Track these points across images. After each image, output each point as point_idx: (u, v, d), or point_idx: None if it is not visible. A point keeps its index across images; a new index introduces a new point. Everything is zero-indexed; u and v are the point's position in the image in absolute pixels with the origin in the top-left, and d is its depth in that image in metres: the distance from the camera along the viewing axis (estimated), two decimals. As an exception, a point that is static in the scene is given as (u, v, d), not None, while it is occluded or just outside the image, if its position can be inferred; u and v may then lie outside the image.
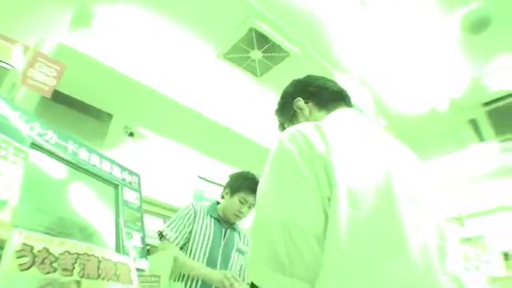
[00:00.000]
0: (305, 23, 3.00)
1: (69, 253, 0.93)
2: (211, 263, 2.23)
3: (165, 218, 4.60)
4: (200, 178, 5.25)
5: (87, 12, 2.75)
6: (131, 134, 4.18)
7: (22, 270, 0.82)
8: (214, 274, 2.06)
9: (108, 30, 3.09)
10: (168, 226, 2.30)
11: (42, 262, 0.86)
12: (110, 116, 3.83)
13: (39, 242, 0.88)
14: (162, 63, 3.42)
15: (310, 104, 1.26)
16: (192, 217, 2.35)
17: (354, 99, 1.33)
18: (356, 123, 1.10)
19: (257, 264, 0.85)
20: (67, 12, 2.69)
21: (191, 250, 2.25)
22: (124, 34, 3.16)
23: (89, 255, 0.97)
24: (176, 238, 2.24)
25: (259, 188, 0.94)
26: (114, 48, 3.17)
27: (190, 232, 2.30)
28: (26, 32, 2.09)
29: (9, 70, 1.45)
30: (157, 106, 3.61)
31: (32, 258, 0.85)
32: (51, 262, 0.88)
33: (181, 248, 2.25)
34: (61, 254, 0.91)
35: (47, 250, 0.89)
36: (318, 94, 1.27)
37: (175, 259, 2.05)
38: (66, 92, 3.46)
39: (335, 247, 0.75)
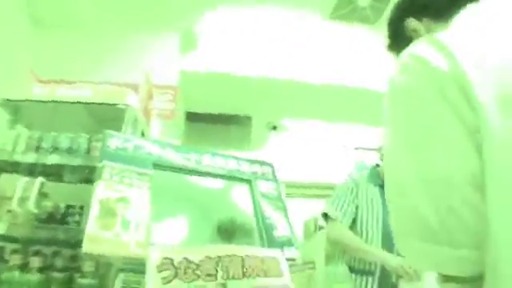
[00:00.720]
0: None
1: (209, 258, 0.94)
2: (388, 239, 1.97)
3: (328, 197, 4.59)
4: (357, 148, 5.05)
5: (192, 35, 2.91)
6: (274, 128, 4.27)
7: (166, 283, 0.84)
8: (390, 260, 1.84)
9: (215, 42, 3.22)
10: (332, 205, 2.13)
11: (185, 272, 0.88)
12: (248, 118, 3.98)
13: (177, 253, 0.91)
14: (277, 49, 3.39)
15: (425, 20, 1.01)
16: (354, 191, 2.14)
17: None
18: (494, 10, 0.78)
19: (403, 237, 0.68)
20: (171, 40, 2.88)
21: (361, 229, 2.05)
22: (230, 38, 3.23)
23: (230, 256, 0.96)
24: (344, 215, 2.06)
25: (384, 147, 0.76)
26: (225, 55, 3.28)
27: (357, 208, 2.10)
28: (133, 68, 2.31)
29: (125, 109, 1.60)
30: (289, 93, 3.60)
31: (174, 270, 0.87)
32: (193, 270, 0.89)
33: (350, 228, 2.07)
34: (201, 261, 0.92)
35: (187, 260, 0.90)
36: (430, 4, 1.01)
37: (345, 241, 1.95)
38: (203, 111, 3.74)
39: (502, 188, 0.54)
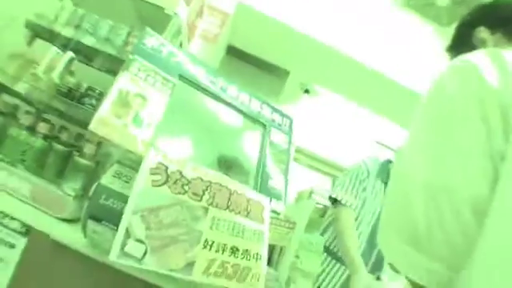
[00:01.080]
0: None
1: (201, 179, 0.96)
2: (372, 242, 2.01)
3: (334, 177, 4.59)
4: (377, 143, 4.98)
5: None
6: (307, 91, 4.21)
7: (154, 186, 0.87)
8: (359, 280, 1.78)
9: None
10: (342, 188, 2.08)
11: (175, 183, 0.91)
12: (286, 72, 3.92)
13: (174, 163, 0.93)
14: (338, 17, 3.26)
15: (498, 35, 0.94)
16: (366, 178, 2.10)
17: None
18: None
19: (387, 231, 0.67)
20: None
21: (356, 220, 2.05)
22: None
23: (221, 185, 0.99)
24: (355, 202, 2.03)
25: (404, 140, 0.74)
26: (287, 4, 3.17)
27: (363, 191, 2.08)
28: None
29: (172, 16, 1.58)
30: (333, 63, 3.50)
31: (165, 177, 0.90)
32: (183, 185, 0.92)
33: None
34: (193, 179, 0.94)
35: (180, 173, 0.93)
36: (509, 20, 0.93)
37: (344, 234, 1.93)
38: (246, 50, 3.68)
39: (502, 229, 0.52)
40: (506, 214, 0.51)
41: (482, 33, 0.96)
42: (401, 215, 0.64)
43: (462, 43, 1.04)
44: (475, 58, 0.67)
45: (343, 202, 2.02)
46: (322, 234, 2.17)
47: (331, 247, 2.09)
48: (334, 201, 2.09)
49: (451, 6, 2.79)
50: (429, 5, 2.88)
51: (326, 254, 2.08)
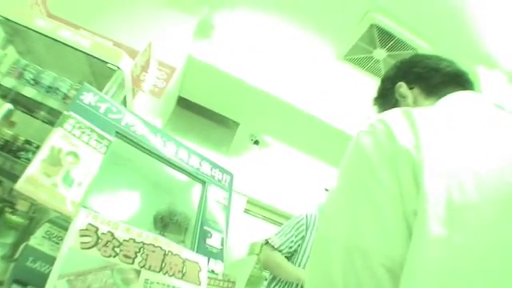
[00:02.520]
0: (435, 12, 2.56)
1: (134, 241, 0.93)
2: None
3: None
4: (326, 190, 5.07)
5: (208, 23, 2.91)
6: (256, 142, 4.29)
7: (83, 249, 0.84)
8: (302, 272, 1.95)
9: (229, 39, 3.25)
10: (276, 234, 2.20)
11: (105, 245, 0.88)
12: (236, 124, 4.00)
13: (105, 224, 0.90)
14: (284, 69, 3.43)
15: (416, 90, 0.99)
16: (303, 227, 2.20)
17: (495, 98, 1.00)
18: (474, 109, 0.79)
19: None
20: (188, 22, 2.89)
21: (297, 263, 2.11)
22: (244, 41, 3.27)
23: (155, 246, 0.96)
24: (280, 245, 2.11)
25: (327, 195, 0.74)
26: (237, 57, 3.31)
27: (299, 244, 2.16)
28: (134, 37, 2.30)
29: (115, 70, 1.60)
30: (281, 115, 3.62)
31: (95, 239, 0.87)
32: (114, 247, 0.89)
33: (286, 258, 2.12)
34: (125, 241, 0.92)
35: (112, 234, 0.90)
36: (425, 76, 0.99)
37: (273, 267, 1.99)
38: (196, 101, 3.75)
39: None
40: (416, 273, 0.52)
41: (401, 88, 1.01)
42: (321, 275, 0.63)
43: (385, 96, 1.09)
44: (390, 118, 0.69)
45: (272, 243, 2.12)
46: (267, 287, 2.17)
47: None
48: (266, 242, 2.20)
49: (388, 59, 3.00)
50: (366, 59, 3.07)
51: None
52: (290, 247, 2.13)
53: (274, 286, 2.13)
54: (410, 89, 1.00)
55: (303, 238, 2.17)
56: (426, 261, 0.51)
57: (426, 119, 0.67)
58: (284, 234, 2.17)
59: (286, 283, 2.10)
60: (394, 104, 1.01)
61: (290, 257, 2.14)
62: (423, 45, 2.77)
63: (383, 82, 1.12)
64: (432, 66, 1.00)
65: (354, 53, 3.05)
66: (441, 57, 1.04)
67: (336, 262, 0.60)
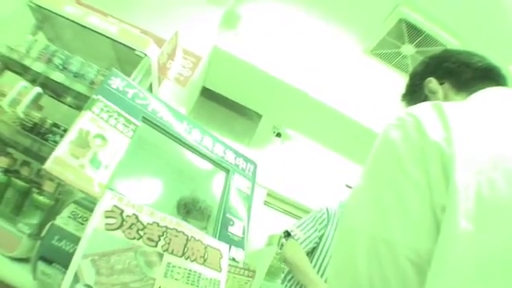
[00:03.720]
0: (467, 7, 2.46)
1: (158, 224, 0.94)
2: None
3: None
4: (348, 186, 5.04)
5: (234, 14, 2.90)
6: (278, 135, 4.28)
7: (108, 230, 0.85)
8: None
9: (255, 31, 3.23)
10: (298, 227, 2.14)
11: (130, 227, 0.88)
12: (259, 116, 4.00)
13: (130, 207, 0.91)
14: (309, 62, 3.39)
15: (446, 85, 0.97)
16: (325, 222, 2.16)
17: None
18: (507, 105, 0.76)
19: (332, 285, 0.66)
20: (214, 12, 2.88)
21: (318, 259, 2.07)
22: (270, 33, 3.24)
23: (178, 231, 0.97)
24: (304, 240, 2.07)
25: (353, 187, 0.73)
26: (262, 49, 3.29)
27: (320, 237, 2.12)
28: (160, 26, 2.30)
29: (142, 57, 1.61)
30: (305, 108, 3.59)
31: (120, 221, 0.88)
32: (138, 230, 0.90)
33: (307, 253, 2.08)
34: (149, 224, 0.92)
35: (136, 217, 0.91)
36: (456, 71, 0.97)
37: (299, 265, 1.95)
38: (220, 92, 3.76)
39: (441, 286, 0.50)
40: (444, 269, 0.51)
41: (432, 83, 0.99)
42: (345, 268, 0.63)
43: (414, 92, 1.07)
44: (419, 111, 0.68)
45: (294, 236, 2.06)
46: (283, 281, 2.15)
47: None
48: (288, 234, 2.14)
49: (416, 55, 2.92)
50: (394, 54, 3.01)
51: None
52: (315, 242, 2.09)
53: (291, 278, 2.12)
54: (440, 84, 0.98)
55: (323, 233, 2.13)
56: (454, 257, 0.50)
57: (457, 113, 0.65)
58: (307, 228, 2.12)
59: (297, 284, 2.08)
60: (423, 100, 0.98)
61: (310, 252, 2.11)
62: (453, 41, 2.69)
63: (412, 77, 1.11)
64: (463, 61, 0.98)
65: (381, 47, 2.99)
66: (472, 52, 1.02)
67: (361, 253, 0.60)
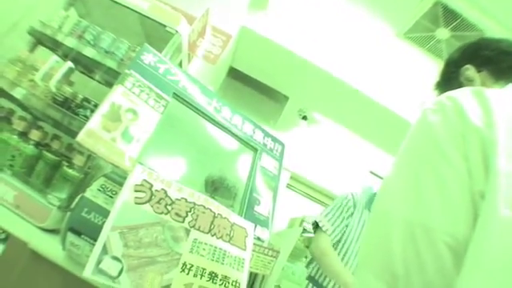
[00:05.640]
0: None
1: (186, 200, 0.95)
2: None
3: (326, 206, 4.57)
4: (372, 173, 4.97)
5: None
6: (305, 118, 4.24)
7: (137, 204, 0.86)
8: None
9: (284, 12, 3.16)
10: (325, 216, 2.09)
11: (158, 202, 0.89)
12: (286, 98, 3.96)
13: (159, 182, 0.92)
14: (339, 45, 3.30)
15: (484, 73, 0.94)
16: (351, 209, 2.11)
17: None
18: None
19: (364, 269, 0.65)
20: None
21: (342, 247, 2.03)
22: (299, 15, 3.17)
23: (205, 208, 0.97)
24: (334, 230, 2.02)
25: (388, 170, 0.72)
26: (290, 30, 3.22)
27: (347, 226, 2.07)
28: (191, 4, 2.26)
29: (173, 34, 1.61)
30: (333, 92, 3.51)
31: (149, 195, 0.88)
32: (166, 204, 0.90)
33: (334, 243, 2.03)
34: (177, 199, 0.93)
35: (165, 192, 0.92)
36: (495, 59, 0.94)
37: (325, 258, 1.93)
38: (247, 73, 3.73)
39: (479, 270, 0.50)
40: (482, 254, 0.50)
41: (469, 71, 0.97)
42: (379, 254, 0.62)
43: (449, 80, 1.05)
44: (459, 95, 0.67)
45: (323, 228, 2.02)
46: (308, 264, 2.13)
47: (317, 277, 2.05)
48: (316, 226, 2.09)
49: (451, 39, 2.80)
50: (427, 38, 2.90)
51: (311, 284, 2.04)
52: (340, 232, 2.04)
53: (314, 266, 2.10)
54: (478, 72, 0.96)
55: (350, 220, 2.07)
56: (493, 243, 0.50)
57: (499, 99, 0.63)
58: (334, 217, 2.07)
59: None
60: (459, 88, 0.96)
61: (337, 241, 2.07)
62: (492, 27, 2.55)
63: (447, 65, 1.09)
64: (503, 49, 0.95)
65: (415, 31, 2.88)
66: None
67: (396, 236, 0.59)
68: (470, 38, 2.62)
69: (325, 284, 2.00)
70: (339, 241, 2.05)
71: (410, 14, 2.79)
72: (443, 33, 2.80)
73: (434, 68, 3.07)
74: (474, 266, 0.51)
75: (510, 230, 0.50)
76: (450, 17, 2.63)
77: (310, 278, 2.05)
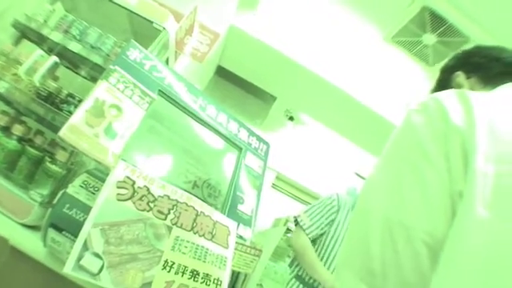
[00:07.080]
0: None
1: (168, 197, 0.94)
2: None
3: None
4: (357, 175, 5.02)
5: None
6: (291, 118, 4.25)
7: (119, 200, 0.86)
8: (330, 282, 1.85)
9: (274, 13, 3.18)
10: (305, 212, 2.14)
11: (140, 199, 0.89)
12: (273, 98, 3.97)
13: (141, 179, 0.91)
14: (327, 47, 3.33)
15: (473, 79, 0.96)
16: (335, 209, 2.14)
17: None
18: None
19: (342, 266, 0.66)
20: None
21: (323, 246, 2.06)
22: (289, 16, 3.19)
23: (188, 206, 0.97)
24: (310, 226, 2.06)
25: (370, 169, 0.73)
26: (280, 31, 3.24)
27: (330, 225, 2.10)
28: (178, 1, 2.26)
29: (160, 30, 1.60)
30: (320, 93, 3.54)
31: (131, 192, 0.88)
32: (148, 202, 0.90)
33: (313, 240, 2.07)
34: (160, 197, 0.93)
35: (148, 189, 0.91)
36: (485, 66, 0.95)
37: (303, 254, 1.95)
38: (235, 71, 3.73)
39: (453, 269, 0.50)
40: (457, 253, 0.51)
41: (458, 77, 0.99)
42: (358, 252, 0.63)
43: (443, 87, 1.05)
44: (443, 96, 0.68)
45: (302, 225, 2.06)
46: (291, 263, 2.15)
47: (304, 276, 2.07)
48: (296, 221, 2.13)
49: (437, 45, 2.84)
50: (414, 42, 2.95)
51: (298, 282, 2.06)
52: (321, 229, 2.07)
53: (296, 265, 2.12)
54: (468, 78, 0.98)
55: (333, 220, 2.10)
56: (469, 243, 0.50)
57: (481, 101, 0.64)
58: (314, 214, 2.11)
59: None
60: None
61: (318, 238, 2.10)
62: (478, 33, 2.59)
63: (442, 72, 1.11)
64: (493, 56, 0.97)
65: (402, 35, 2.91)
66: (505, 48, 1.00)
67: (375, 234, 0.60)
68: (455, 43, 2.68)
69: (311, 282, 2.02)
70: (321, 238, 2.08)
71: (398, 19, 2.82)
72: (430, 38, 2.83)
73: (420, 72, 3.12)
74: (448, 265, 0.51)
75: (484, 229, 0.51)
76: (437, 22, 2.67)
77: (298, 277, 2.07)
